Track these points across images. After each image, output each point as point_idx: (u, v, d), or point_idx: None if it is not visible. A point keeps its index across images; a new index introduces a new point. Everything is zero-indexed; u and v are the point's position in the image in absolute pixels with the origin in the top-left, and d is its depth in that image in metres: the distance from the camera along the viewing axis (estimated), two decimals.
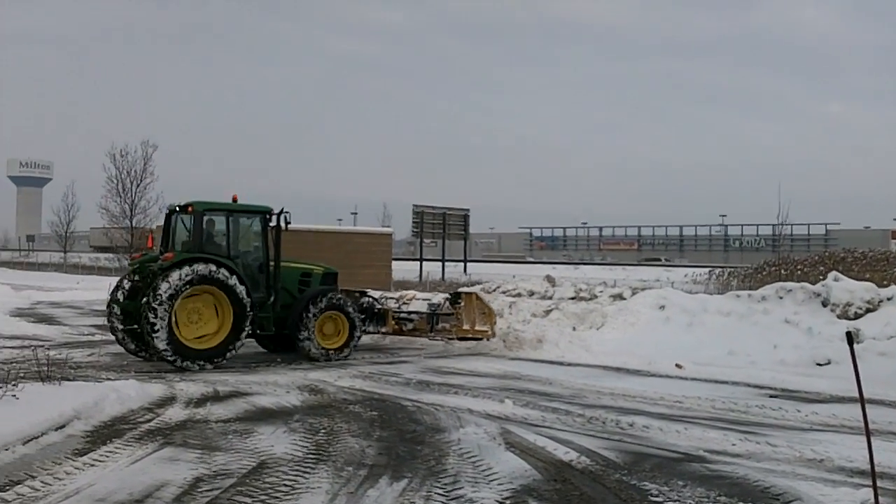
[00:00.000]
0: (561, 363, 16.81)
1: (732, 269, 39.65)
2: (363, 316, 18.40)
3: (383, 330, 19.27)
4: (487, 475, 8.16)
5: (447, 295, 20.58)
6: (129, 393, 11.69)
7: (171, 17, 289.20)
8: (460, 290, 21.65)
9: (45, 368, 11.95)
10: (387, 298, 20.06)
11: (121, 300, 15.97)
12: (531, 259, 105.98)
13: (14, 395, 10.01)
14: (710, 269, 44.66)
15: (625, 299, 21.44)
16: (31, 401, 10.03)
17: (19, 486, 7.43)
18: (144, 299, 14.93)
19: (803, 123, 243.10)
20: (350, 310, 17.33)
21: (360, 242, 29.60)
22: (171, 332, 14.71)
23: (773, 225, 48.57)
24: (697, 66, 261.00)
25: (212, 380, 13.91)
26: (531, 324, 20.33)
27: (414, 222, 47.64)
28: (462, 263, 51.94)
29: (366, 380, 14.29)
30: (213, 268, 15.17)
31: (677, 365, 15.93)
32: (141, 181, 52.05)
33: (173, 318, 14.79)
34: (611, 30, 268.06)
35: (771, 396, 13.15)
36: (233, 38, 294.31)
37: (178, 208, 16.30)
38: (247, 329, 15.60)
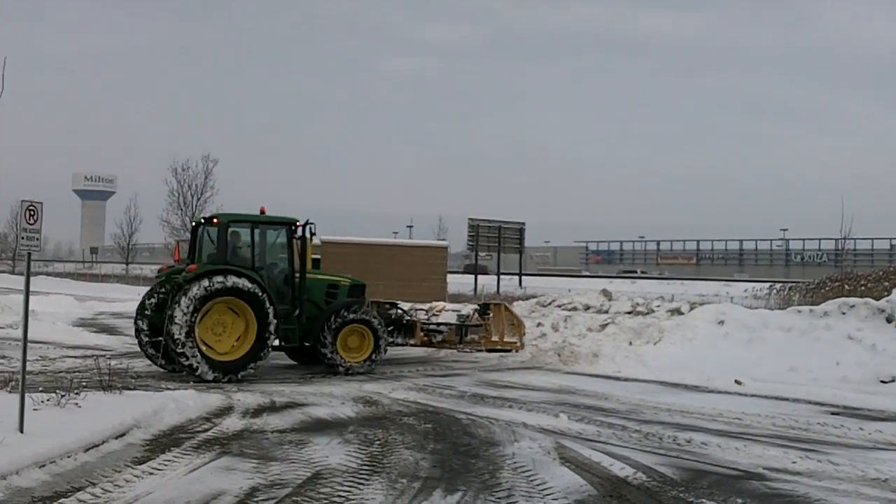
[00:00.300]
0: (617, 378, 16.65)
1: (794, 284, 38.87)
2: (391, 328, 18.14)
3: (412, 342, 18.91)
4: (542, 490, 8.11)
5: (476, 306, 20.53)
6: (187, 403, 11.87)
7: (233, 35, 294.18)
8: (489, 301, 21.61)
9: (107, 378, 12.19)
10: (416, 310, 19.88)
11: (148, 313, 15.86)
12: (587, 273, 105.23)
13: (76, 404, 10.24)
14: (770, 283, 43.88)
15: (683, 314, 21.10)
16: (92, 409, 10.24)
17: (80, 492, 7.57)
18: (168, 311, 14.89)
19: (866, 137, 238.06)
20: (375, 323, 17.03)
21: (415, 256, 29.68)
22: (194, 344, 14.64)
23: (836, 239, 47.62)
24: (758, 81, 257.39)
25: (268, 390, 14.04)
26: (587, 338, 20.17)
27: (469, 236, 47.62)
28: (517, 277, 51.78)
29: (420, 392, 14.31)
30: (237, 279, 15.07)
31: (736, 381, 15.67)
32: (201, 195, 53.00)
33: (196, 330, 14.73)
34: (669, 45, 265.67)
35: (833, 414, 12.87)
36: (291, 55, 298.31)
37: (203, 220, 16.36)
38: (271, 341, 15.51)
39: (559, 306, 25.20)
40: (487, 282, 45.15)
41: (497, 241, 47.87)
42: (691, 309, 21.45)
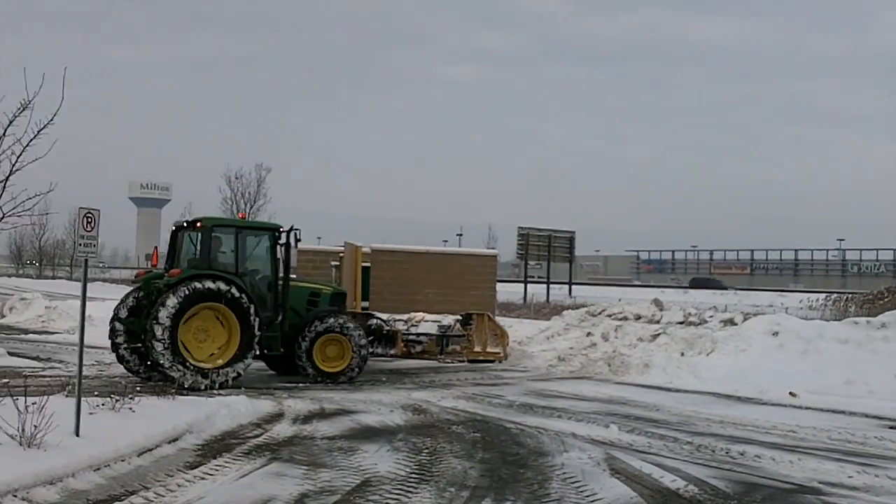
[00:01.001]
0: (668, 389, 16.47)
1: (850, 295, 38.14)
2: (371, 338, 17.76)
3: (392, 352, 18.62)
4: (591, 501, 8.04)
5: (458, 316, 20.31)
6: (239, 409, 12.01)
7: (287, 46, 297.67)
8: (471, 311, 21.57)
9: (160, 383, 12.39)
10: (395, 320, 19.60)
11: (124, 318, 15.34)
12: (638, 282, 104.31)
13: (131, 409, 10.42)
14: (826, 294, 43.08)
15: (736, 325, 20.81)
16: (146, 414, 10.41)
17: (134, 496, 7.69)
18: (151, 316, 14.38)
19: None
20: (353, 333, 16.54)
21: (464, 264, 29.53)
22: (175, 350, 14.19)
23: (894, 249, 46.55)
24: (814, 87, 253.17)
25: (318, 397, 14.14)
26: (638, 348, 19.98)
27: (519, 244, 47.48)
28: (567, 286, 51.50)
29: (469, 401, 14.29)
30: (221, 285, 14.64)
31: (791, 393, 15.42)
32: (254, 203, 53.49)
33: (178, 336, 14.30)
34: (725, 52, 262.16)
35: (891, 428, 12.58)
36: (344, 65, 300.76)
37: (185, 224, 15.95)
38: (255, 348, 15.10)
39: (609, 316, 25.04)
40: (537, 291, 44.95)
41: (547, 250, 47.67)
42: (745, 319, 21.16)
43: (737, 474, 9.24)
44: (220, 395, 13.46)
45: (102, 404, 10.35)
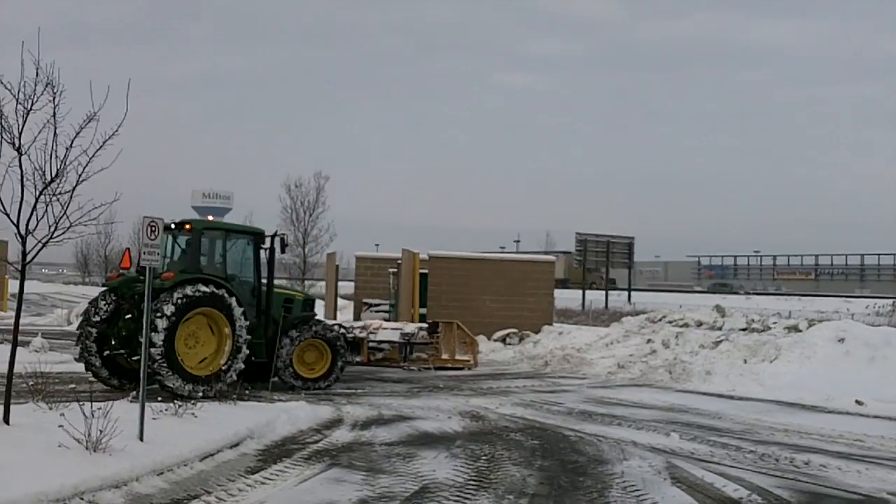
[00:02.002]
0: (731, 397, 16.21)
1: None
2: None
3: (357, 359, 18.24)
4: None
5: (422, 324, 20.23)
6: (299, 414, 12.12)
7: (347, 56, 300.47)
8: (437, 320, 21.50)
9: (224, 390, 12.56)
10: (353, 328, 19.29)
11: (97, 324, 14.37)
12: (699, 289, 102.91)
13: (193, 414, 10.58)
14: (893, 300, 42.01)
15: (801, 331, 20.43)
16: (208, 419, 10.57)
17: (196, 500, 7.81)
18: (143, 321, 13.58)
19: None
20: (333, 338, 16.35)
21: (522, 270, 29.49)
22: (172, 357, 13.53)
23: None
24: (880, 89, 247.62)
25: (377, 403, 14.21)
26: (699, 355, 19.72)
27: (577, 250, 47.20)
28: (626, 292, 51.02)
29: (527, 408, 14.22)
30: (215, 289, 14.15)
31: (858, 401, 15.08)
32: (313, 211, 54.05)
33: (175, 342, 13.69)
34: (786, 55, 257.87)
35: None
36: (403, 74, 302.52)
37: (173, 225, 15.03)
38: (244, 354, 14.51)
39: (670, 322, 24.75)
40: (595, 297, 44.61)
41: (605, 256, 47.32)
42: (810, 326, 20.78)
43: (802, 484, 9.05)
44: (280, 400, 13.61)
45: (166, 410, 10.54)
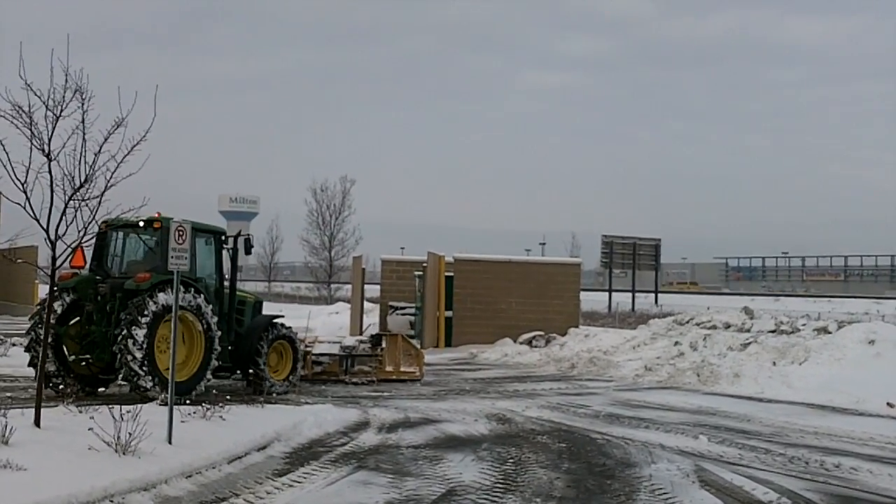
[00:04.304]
0: (760, 399, 16.09)
1: None
2: None
3: (302, 372, 17.61)
4: None
5: (362, 337, 20.32)
6: (325, 417, 12.16)
7: (371, 57, 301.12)
8: (381, 333, 21.48)
9: (220, 395, 12.51)
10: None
11: (57, 327, 13.42)
12: (727, 290, 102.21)
13: (221, 417, 10.65)
14: None
15: (830, 333, 20.23)
16: (236, 422, 10.63)
17: (224, 502, 7.85)
18: (122, 324, 12.93)
19: None
20: (294, 339, 16.26)
21: (548, 273, 29.45)
22: (152, 360, 12.87)
23: None
24: None
25: (403, 406, 14.22)
26: (727, 357, 19.59)
27: (603, 252, 47.07)
28: (653, 294, 50.79)
29: (553, 411, 14.18)
30: (193, 291, 13.60)
31: (889, 404, 14.92)
32: (339, 214, 54.32)
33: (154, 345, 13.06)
34: (819, 52, 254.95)
35: None
36: (429, 74, 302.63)
37: (142, 223, 13.91)
38: (216, 353, 13.95)
39: (698, 325, 24.56)
40: (622, 299, 44.46)
41: (632, 258, 47.14)
42: (839, 328, 20.56)
43: (832, 487, 8.95)
44: (307, 403, 13.66)
45: (194, 412, 10.61)
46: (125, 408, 8.94)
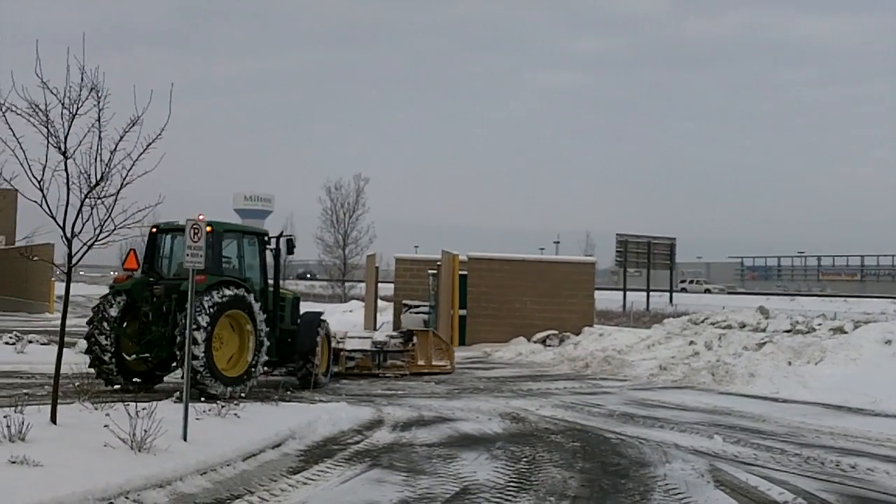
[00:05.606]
0: (775, 399, 16.01)
1: None
2: None
3: (335, 368, 18.18)
4: None
5: (392, 333, 21.01)
6: (339, 415, 12.19)
7: (381, 56, 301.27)
8: (412, 329, 21.85)
9: (264, 390, 12.65)
10: None
11: (112, 326, 14.04)
12: (742, 290, 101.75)
13: (236, 415, 10.69)
14: None
15: (846, 333, 20.12)
16: (251, 420, 10.67)
17: (239, 500, 7.87)
18: (181, 325, 13.29)
19: None
20: (331, 336, 17.22)
21: (562, 272, 29.41)
22: (210, 359, 13.46)
23: None
24: None
25: (417, 405, 14.23)
26: (742, 357, 19.51)
27: (618, 251, 46.94)
28: (668, 293, 50.61)
29: (567, 410, 14.16)
30: (244, 292, 14.19)
31: None
32: (353, 212, 54.31)
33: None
34: (832, 51, 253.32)
35: None
36: (440, 74, 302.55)
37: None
38: (266, 348, 14.52)
39: (713, 324, 24.49)
40: (636, 298, 44.30)
41: (646, 257, 47.00)
42: (856, 327, 20.44)
43: (848, 488, 8.90)
44: (321, 401, 13.68)
45: (209, 410, 10.66)
46: (140, 405, 8.98)
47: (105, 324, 14.06)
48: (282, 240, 16.37)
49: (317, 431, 11.10)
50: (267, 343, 14.59)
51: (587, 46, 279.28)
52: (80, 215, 9.48)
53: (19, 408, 9.16)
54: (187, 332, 9.98)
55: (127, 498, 7.37)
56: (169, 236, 15.03)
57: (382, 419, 12.66)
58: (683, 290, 74.21)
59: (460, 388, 16.98)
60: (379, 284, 33.44)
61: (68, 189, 9.33)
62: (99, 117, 9.36)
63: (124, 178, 9.56)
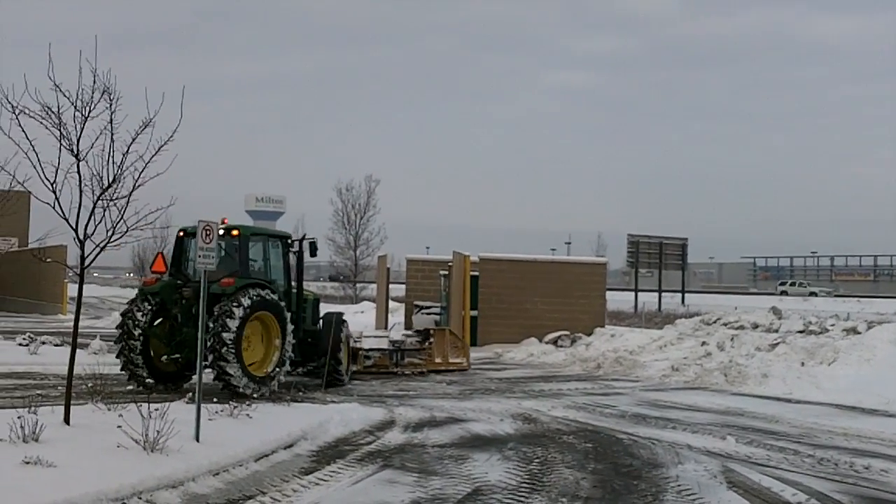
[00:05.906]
0: (788, 400, 15.94)
1: None
2: None
3: (354, 367, 18.26)
4: None
5: (408, 332, 21.25)
6: (351, 416, 12.20)
7: (394, 56, 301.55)
8: (428, 328, 22.11)
9: (276, 390, 12.68)
10: None
11: (142, 327, 14.41)
12: (754, 290, 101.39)
13: (248, 415, 10.72)
14: None
15: (860, 333, 20.02)
16: (263, 421, 10.69)
17: (251, 500, 7.89)
18: (216, 325, 13.65)
19: None
20: (350, 335, 17.49)
21: (574, 272, 29.37)
22: (241, 359, 13.80)
23: None
24: None
25: (429, 405, 14.23)
26: (755, 358, 19.42)
27: (629, 252, 46.83)
28: (680, 294, 50.44)
29: (579, 410, 14.14)
30: (272, 294, 14.62)
31: None
32: (364, 213, 54.37)
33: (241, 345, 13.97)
34: (847, 50, 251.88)
35: None
36: (452, 74, 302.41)
37: (220, 231, 14.17)
38: (290, 356, 14.90)
39: (725, 325, 24.42)
40: (648, 299, 44.18)
41: (658, 258, 46.88)
42: (869, 328, 20.34)
43: (862, 489, 8.86)
44: (332, 402, 13.70)
45: (221, 411, 10.68)
46: (153, 406, 9.01)
47: (135, 326, 14.42)
48: (305, 242, 16.73)
49: (329, 432, 11.12)
50: (293, 341, 14.98)
51: (597, 46, 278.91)
52: (92, 217, 9.52)
53: (33, 409, 9.22)
54: (200, 332, 10.01)
55: (139, 498, 7.40)
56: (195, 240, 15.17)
57: (394, 420, 12.67)
58: (784, 293, 73.92)
59: (472, 388, 16.97)
60: (390, 285, 33.44)
61: (81, 191, 9.38)
62: (111, 119, 9.40)
63: (136, 180, 9.60)
